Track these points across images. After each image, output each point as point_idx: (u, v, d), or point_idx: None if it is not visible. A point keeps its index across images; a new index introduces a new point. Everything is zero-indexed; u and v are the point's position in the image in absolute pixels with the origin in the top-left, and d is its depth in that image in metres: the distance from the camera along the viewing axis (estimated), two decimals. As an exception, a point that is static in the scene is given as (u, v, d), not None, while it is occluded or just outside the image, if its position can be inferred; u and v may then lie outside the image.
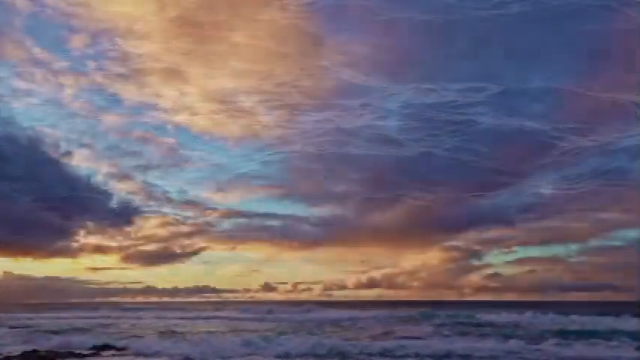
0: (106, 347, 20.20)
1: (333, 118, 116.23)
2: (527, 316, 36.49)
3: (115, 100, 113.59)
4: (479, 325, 31.88)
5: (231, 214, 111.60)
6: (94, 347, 20.16)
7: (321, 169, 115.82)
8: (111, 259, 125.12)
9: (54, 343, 21.81)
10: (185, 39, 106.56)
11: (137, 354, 18.89)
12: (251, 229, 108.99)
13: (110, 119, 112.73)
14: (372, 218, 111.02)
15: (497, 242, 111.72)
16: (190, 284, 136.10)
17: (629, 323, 28.43)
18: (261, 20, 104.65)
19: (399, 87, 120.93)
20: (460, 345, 19.37)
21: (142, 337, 24.54)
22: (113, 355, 18.91)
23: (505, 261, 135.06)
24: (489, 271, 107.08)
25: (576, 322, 31.49)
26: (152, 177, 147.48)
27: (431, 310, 43.00)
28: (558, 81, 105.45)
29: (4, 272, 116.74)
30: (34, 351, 18.64)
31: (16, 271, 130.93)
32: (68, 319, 42.38)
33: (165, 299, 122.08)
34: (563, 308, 57.04)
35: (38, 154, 79.94)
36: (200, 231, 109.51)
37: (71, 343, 21.67)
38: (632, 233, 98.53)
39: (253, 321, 39.52)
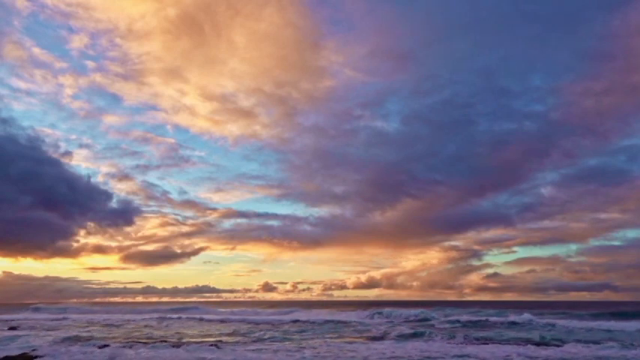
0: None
1: (332, 118, 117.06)
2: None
3: (115, 100, 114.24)
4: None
5: (231, 214, 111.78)
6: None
7: (320, 169, 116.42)
8: (111, 259, 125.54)
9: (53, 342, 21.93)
10: (185, 39, 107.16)
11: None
12: (251, 229, 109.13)
13: (110, 119, 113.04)
14: (372, 218, 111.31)
15: (497, 242, 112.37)
16: (190, 284, 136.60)
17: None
18: (260, 21, 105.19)
19: (399, 87, 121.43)
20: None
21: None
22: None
23: (505, 261, 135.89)
24: (489, 271, 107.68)
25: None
26: (152, 177, 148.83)
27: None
28: (558, 81, 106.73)
29: (4, 272, 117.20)
30: (34, 350, 18.67)
31: (16, 271, 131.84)
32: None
33: (165, 299, 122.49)
34: (563, 308, 57.78)
35: (38, 154, 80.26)
36: (200, 231, 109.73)
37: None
38: (632, 233, 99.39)
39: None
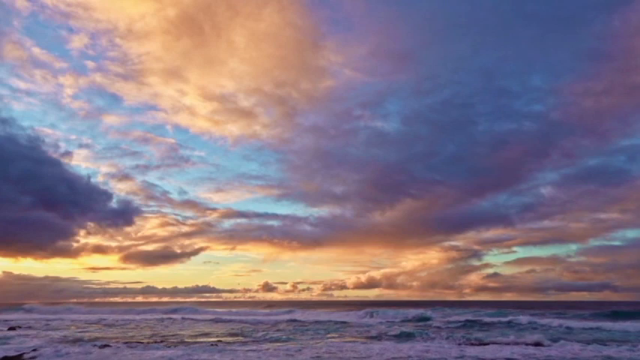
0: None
1: (332, 118, 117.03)
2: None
3: (115, 100, 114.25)
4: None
5: (231, 214, 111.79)
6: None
7: (320, 170, 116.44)
8: (111, 259, 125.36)
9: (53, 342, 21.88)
10: (185, 39, 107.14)
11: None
12: (251, 229, 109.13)
13: (110, 119, 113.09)
14: (372, 218, 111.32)
15: (497, 242, 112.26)
16: (190, 284, 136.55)
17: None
18: (260, 21, 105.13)
19: (399, 87, 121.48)
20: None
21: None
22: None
23: (505, 261, 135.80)
24: (489, 271, 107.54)
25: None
26: (152, 177, 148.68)
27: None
28: (558, 81, 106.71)
29: (4, 272, 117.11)
30: (34, 350, 18.63)
31: (16, 271, 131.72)
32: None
33: (165, 299, 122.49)
34: (563, 308, 57.89)
35: (38, 154, 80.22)
36: (200, 231, 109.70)
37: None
38: (632, 233, 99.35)
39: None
